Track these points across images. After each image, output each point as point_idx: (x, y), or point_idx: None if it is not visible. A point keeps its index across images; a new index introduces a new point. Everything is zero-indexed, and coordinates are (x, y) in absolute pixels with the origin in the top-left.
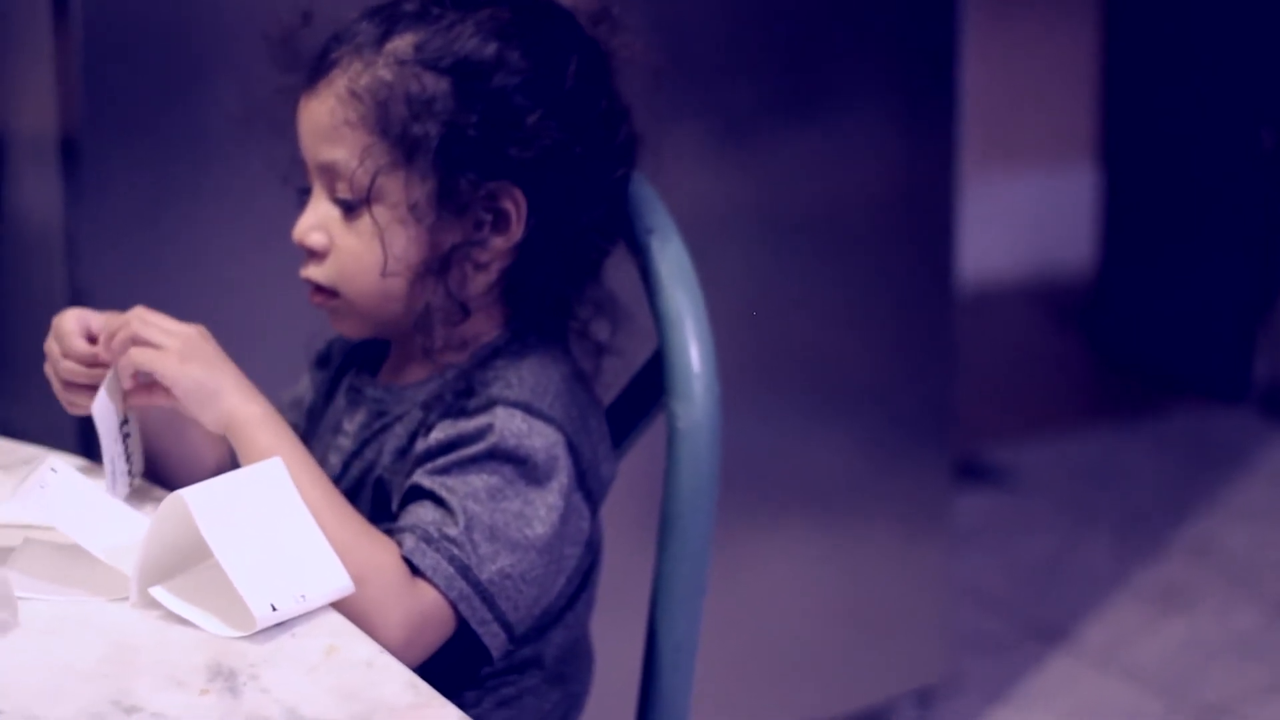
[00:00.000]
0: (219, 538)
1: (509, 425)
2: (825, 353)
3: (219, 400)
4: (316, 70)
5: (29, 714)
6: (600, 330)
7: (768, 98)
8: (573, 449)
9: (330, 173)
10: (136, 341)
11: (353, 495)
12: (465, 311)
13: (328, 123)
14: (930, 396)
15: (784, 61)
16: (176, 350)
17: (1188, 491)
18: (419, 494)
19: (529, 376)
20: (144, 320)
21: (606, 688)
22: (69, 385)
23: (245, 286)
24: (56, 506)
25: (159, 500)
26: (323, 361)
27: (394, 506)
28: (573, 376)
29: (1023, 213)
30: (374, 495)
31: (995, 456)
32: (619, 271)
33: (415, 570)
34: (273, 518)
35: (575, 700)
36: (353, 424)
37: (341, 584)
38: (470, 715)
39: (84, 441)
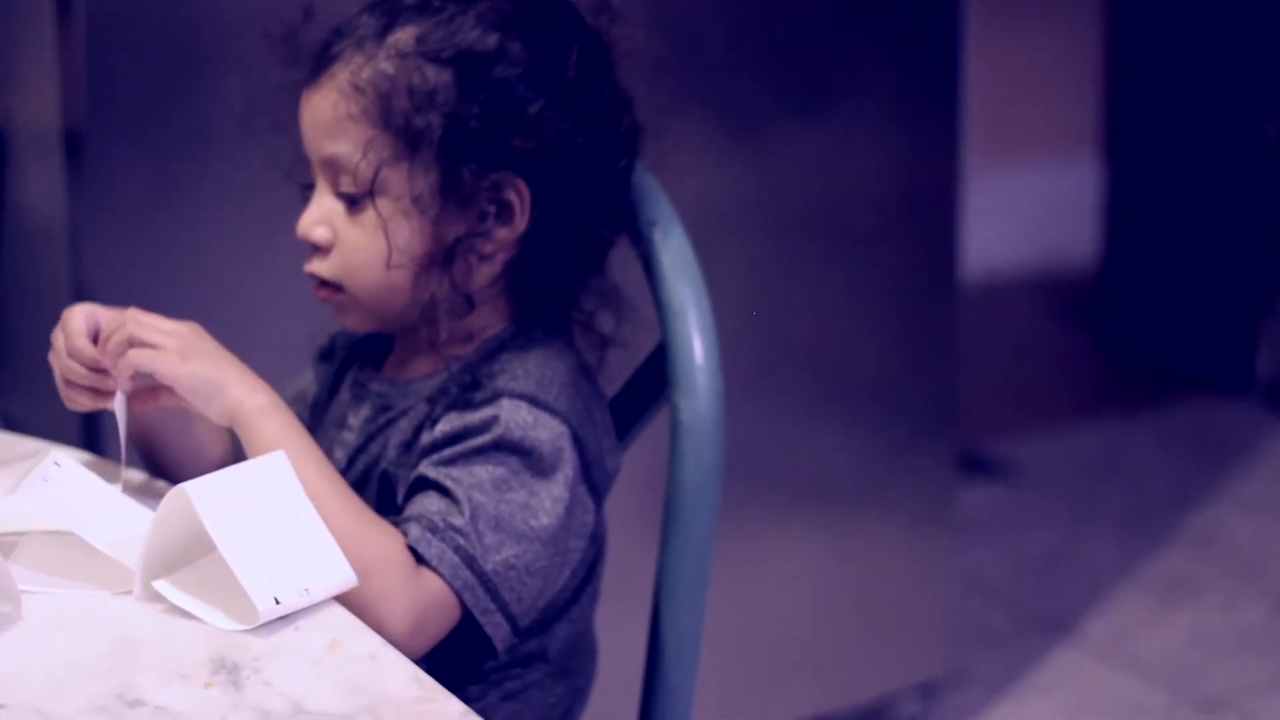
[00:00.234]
0: (222, 531)
1: (514, 417)
2: (828, 346)
3: (224, 393)
4: (318, 64)
5: (33, 708)
6: (605, 322)
7: (771, 92)
8: (578, 441)
9: (333, 167)
10: (134, 343)
11: (358, 489)
12: (470, 303)
13: (330, 116)
14: (934, 390)
15: (787, 56)
16: (176, 349)
17: (1191, 484)
18: (424, 485)
19: (534, 369)
20: (139, 322)
21: (610, 681)
22: (69, 383)
23: (248, 280)
24: (60, 500)
25: (162, 494)
26: (326, 356)
27: (399, 499)
28: (578, 369)
29: (1026, 206)
30: (379, 489)
31: (999, 450)
32: (623, 265)
33: (420, 560)
34: (276, 511)
35: (579, 694)
36: (357, 418)
37: (344, 577)
38: (475, 709)
39: (87, 436)
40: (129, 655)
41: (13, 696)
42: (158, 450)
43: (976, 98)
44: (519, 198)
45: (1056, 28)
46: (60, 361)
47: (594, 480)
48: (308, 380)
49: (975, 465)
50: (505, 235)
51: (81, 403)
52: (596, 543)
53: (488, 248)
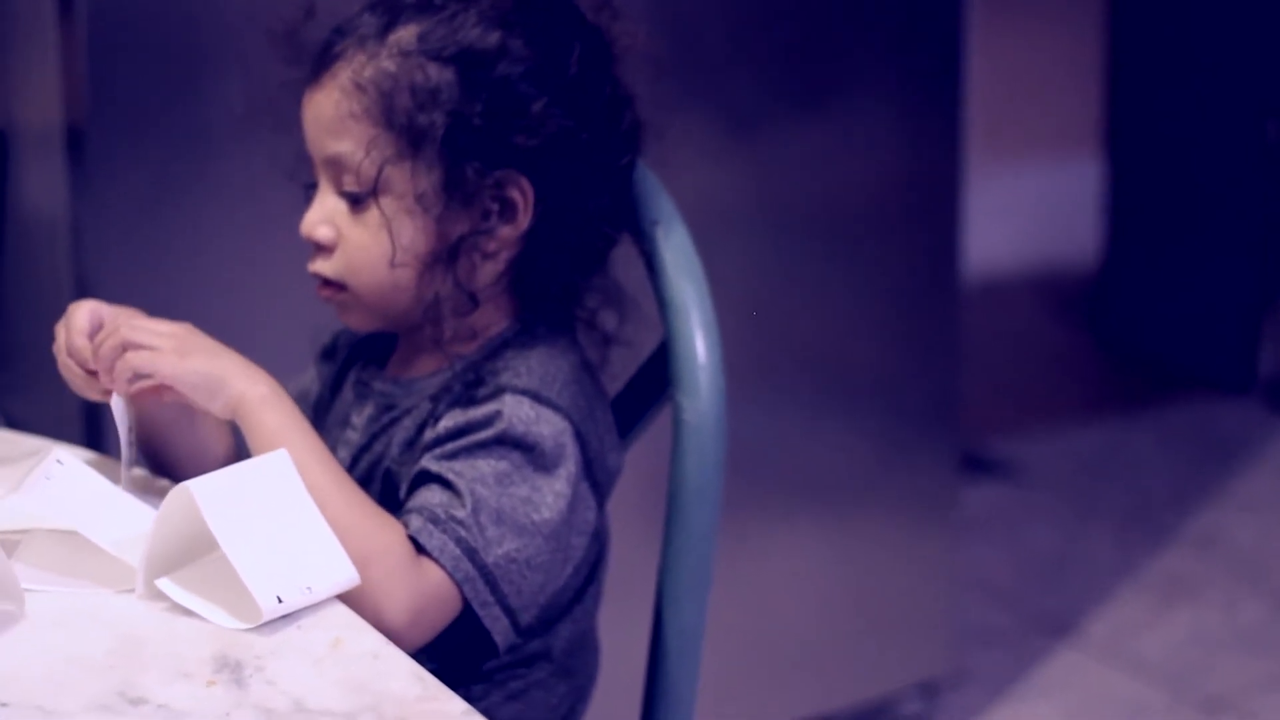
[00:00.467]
0: (225, 530)
1: (517, 412)
2: (830, 345)
3: (226, 387)
4: (320, 63)
5: (35, 705)
6: (608, 320)
7: (773, 91)
8: (580, 438)
9: (336, 166)
10: (129, 347)
11: (362, 488)
12: (474, 302)
13: (332, 115)
14: (935, 389)
15: (789, 54)
16: (173, 349)
17: (1193, 484)
18: (426, 479)
19: (537, 366)
20: (133, 326)
21: (612, 680)
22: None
23: (250, 279)
24: (63, 498)
25: (165, 492)
26: (328, 354)
27: (402, 497)
28: (580, 366)
29: (1028, 206)
30: (383, 488)
31: (1000, 449)
32: (625, 263)
33: (421, 551)
34: (279, 509)
35: (582, 693)
36: (361, 417)
37: (347, 576)
38: (478, 709)
39: (89, 433)
40: (131, 653)
41: (15, 694)
42: (161, 448)
43: (978, 97)
44: (522, 195)
45: (1058, 27)
46: (60, 358)
47: (596, 478)
48: (310, 379)
49: (976, 464)
50: (509, 233)
51: (81, 391)
52: (599, 541)
53: (491, 246)
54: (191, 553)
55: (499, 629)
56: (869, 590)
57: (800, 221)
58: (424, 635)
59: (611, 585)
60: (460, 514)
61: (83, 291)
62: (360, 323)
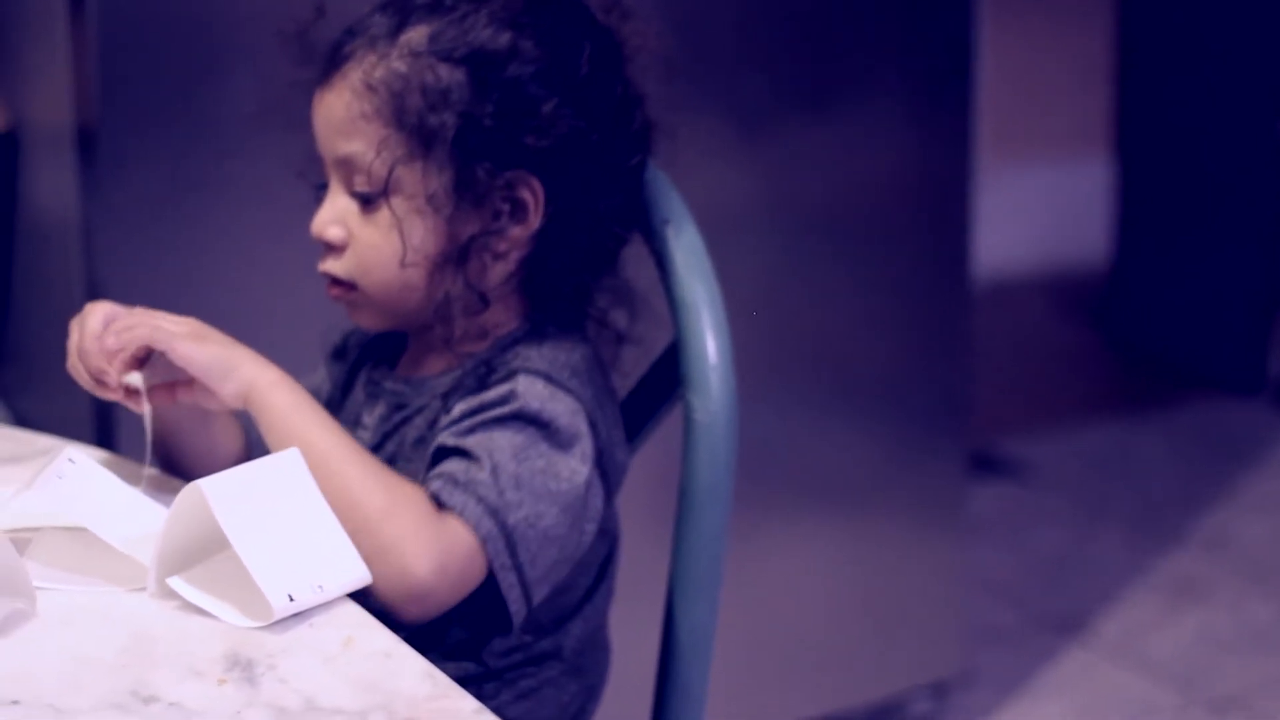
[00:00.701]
0: (236, 528)
1: (531, 389)
2: (840, 345)
3: (237, 371)
4: (331, 64)
5: (47, 704)
6: (619, 319)
7: (783, 91)
8: (591, 425)
9: (347, 166)
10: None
11: None
12: (484, 302)
13: (343, 116)
14: (945, 389)
15: (799, 55)
16: (188, 333)
17: (1202, 484)
18: (444, 454)
19: (549, 353)
20: (150, 313)
21: (623, 679)
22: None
23: (260, 278)
24: (74, 497)
25: (177, 491)
26: (339, 354)
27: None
28: (592, 361)
29: (1038, 206)
30: None
31: (1009, 449)
32: (636, 263)
33: (443, 510)
34: (290, 508)
35: (593, 692)
36: (372, 417)
37: (359, 575)
38: (489, 707)
39: (101, 432)
40: (143, 652)
41: (27, 692)
42: (173, 448)
43: (988, 97)
44: (533, 196)
45: (1068, 28)
46: (70, 358)
47: (605, 469)
48: (320, 378)
49: (986, 464)
50: (519, 233)
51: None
52: (609, 540)
53: (502, 246)
54: (203, 551)
55: (514, 597)
56: (878, 590)
57: (810, 221)
58: (450, 590)
59: (622, 584)
60: (481, 475)
61: (93, 291)
62: (371, 322)
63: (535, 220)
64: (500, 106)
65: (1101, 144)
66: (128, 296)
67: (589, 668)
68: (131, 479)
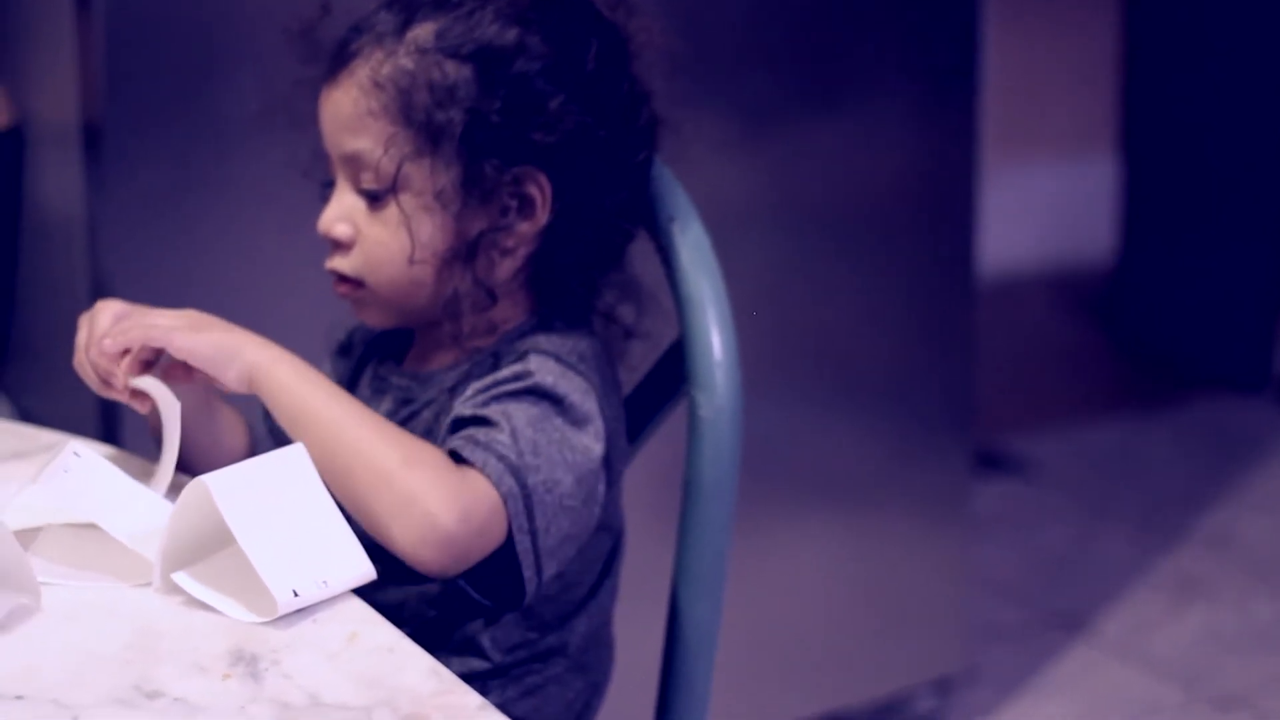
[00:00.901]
0: (241, 523)
1: (544, 366)
2: (844, 342)
3: (241, 354)
4: (337, 61)
5: (51, 699)
6: (626, 314)
7: (789, 88)
8: (600, 408)
9: (354, 163)
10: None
11: None
12: (492, 298)
13: (350, 113)
14: (949, 386)
15: (805, 52)
16: (186, 325)
17: (1206, 482)
18: (460, 424)
19: (558, 339)
20: (145, 312)
21: (627, 675)
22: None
23: (267, 275)
24: (79, 491)
25: (182, 486)
26: (344, 350)
27: None
28: (600, 353)
29: (1043, 203)
30: None
31: (1014, 446)
32: (642, 260)
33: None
34: (295, 503)
35: (597, 688)
36: (379, 412)
37: (363, 570)
38: (494, 704)
39: (106, 429)
40: (148, 647)
41: (32, 687)
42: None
43: (994, 95)
44: (540, 192)
45: (1073, 26)
46: (77, 355)
47: (610, 457)
48: (324, 374)
49: (990, 462)
50: (527, 229)
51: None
52: (614, 536)
53: (509, 242)
54: (208, 546)
55: (528, 563)
56: (882, 587)
57: (816, 219)
58: (474, 539)
59: (627, 581)
60: (500, 437)
61: (99, 288)
62: (378, 320)
63: (543, 216)
64: (507, 102)
65: (1106, 142)
66: (133, 293)
67: (593, 664)
68: (136, 474)
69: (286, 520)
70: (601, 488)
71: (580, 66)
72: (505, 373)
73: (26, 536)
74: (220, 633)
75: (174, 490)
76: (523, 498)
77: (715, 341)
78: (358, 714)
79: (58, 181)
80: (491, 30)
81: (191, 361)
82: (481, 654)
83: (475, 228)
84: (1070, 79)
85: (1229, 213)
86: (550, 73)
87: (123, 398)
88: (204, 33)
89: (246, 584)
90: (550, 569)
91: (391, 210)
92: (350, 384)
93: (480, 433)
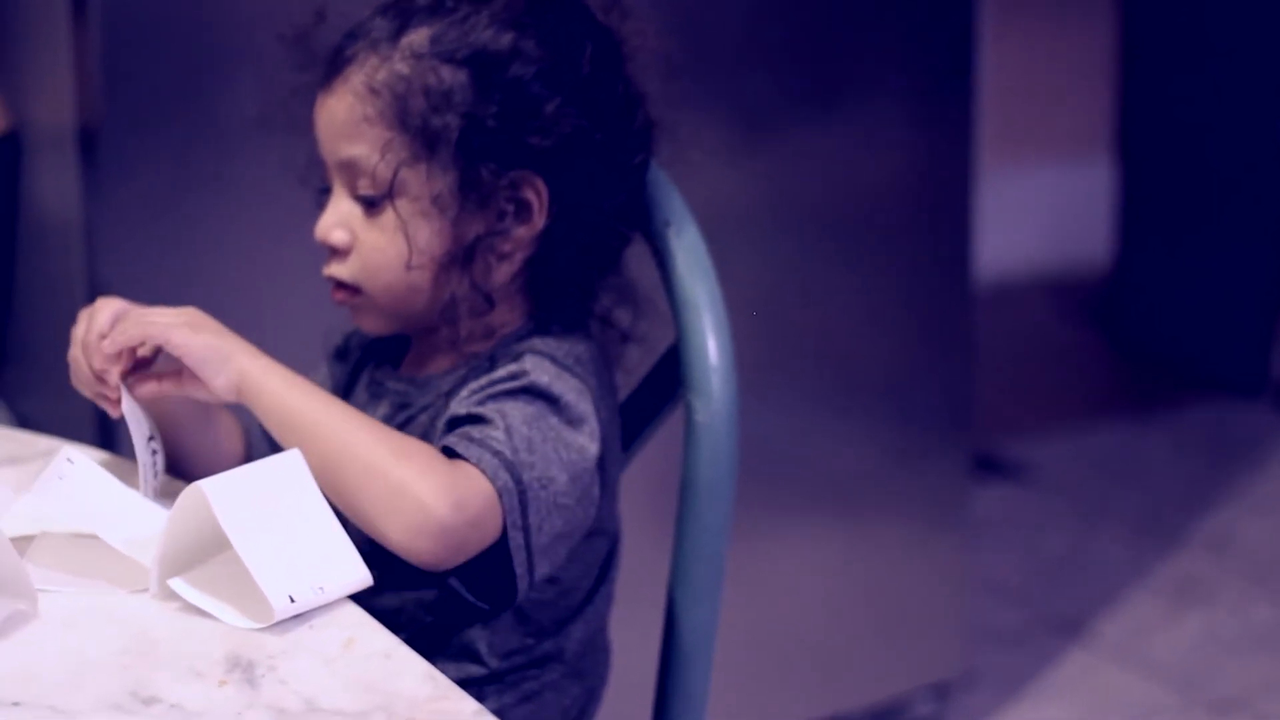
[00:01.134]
0: (237, 529)
1: (540, 366)
2: (842, 347)
3: (231, 361)
4: (333, 67)
5: (48, 705)
6: (622, 318)
7: (785, 91)
8: (596, 410)
9: (351, 169)
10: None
11: None
12: (490, 302)
13: (346, 119)
14: (947, 390)
15: (802, 55)
16: (185, 323)
17: (1205, 486)
18: (455, 423)
19: (554, 342)
20: (144, 311)
21: (624, 681)
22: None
23: (263, 279)
24: (74, 498)
25: (178, 492)
26: (341, 355)
27: None
28: (597, 357)
29: (1040, 207)
30: None
31: (1012, 450)
32: (638, 264)
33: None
34: (291, 509)
35: (593, 694)
36: (376, 416)
37: (360, 576)
38: (490, 710)
39: (102, 433)
40: (144, 653)
41: (28, 693)
42: (173, 448)
43: (991, 98)
44: (537, 196)
45: (1070, 28)
46: (72, 349)
47: (605, 460)
48: (321, 379)
49: (989, 466)
50: (524, 234)
51: (84, 391)
52: (610, 541)
53: (507, 246)
54: (204, 552)
55: (520, 559)
56: (880, 591)
57: (812, 222)
58: (469, 528)
59: (623, 586)
60: (495, 434)
61: (96, 292)
62: (375, 326)
63: (540, 220)
64: (503, 107)
65: (1104, 145)
66: (130, 297)
67: (590, 670)
68: (131, 480)
69: (283, 526)
70: (596, 488)
71: (575, 70)
72: (500, 373)
73: (22, 543)
74: (216, 639)
75: (170, 496)
76: (517, 493)
77: (711, 346)
78: None
79: (55, 186)
80: (486, 35)
81: (185, 360)
82: (478, 660)
83: (472, 232)
84: (1067, 81)
85: (1227, 215)
86: (545, 77)
87: (113, 402)
88: (200, 36)
89: (243, 590)
90: (542, 568)
91: (388, 216)
92: (347, 388)
93: (475, 430)
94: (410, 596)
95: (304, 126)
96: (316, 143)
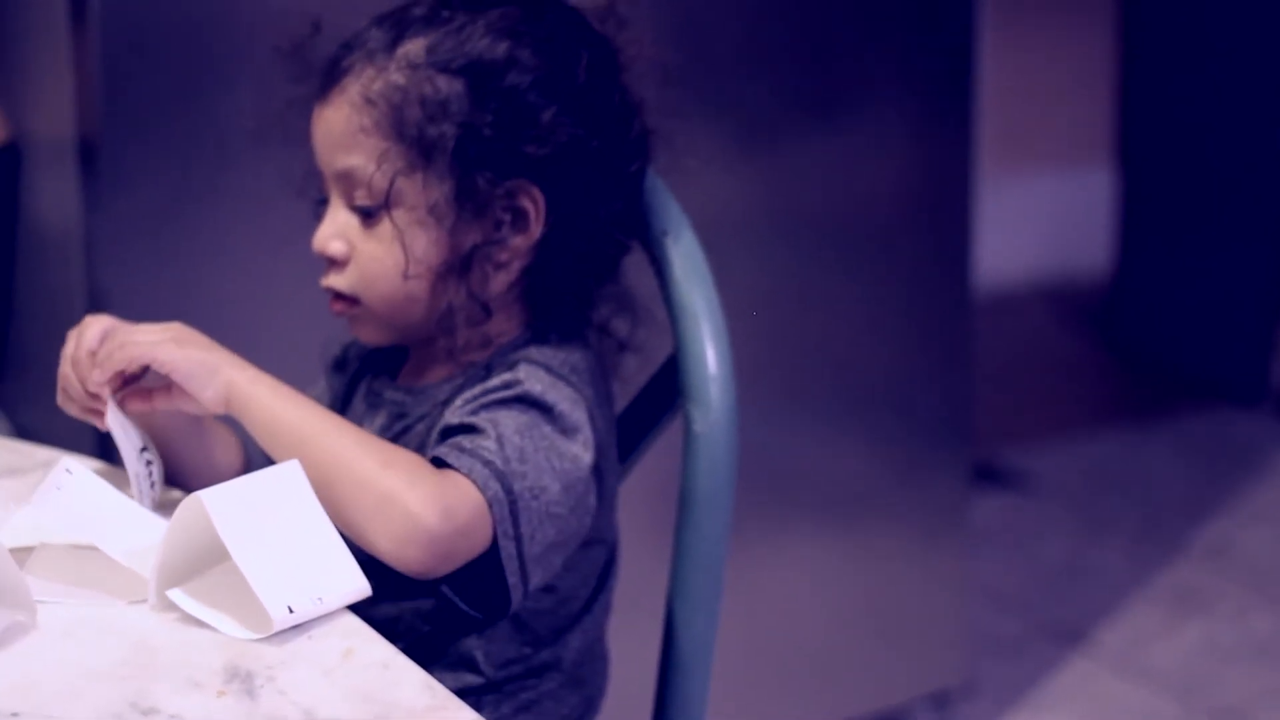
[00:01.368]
0: (236, 540)
1: (534, 375)
2: (842, 355)
3: (218, 374)
4: (329, 78)
5: (47, 715)
6: (620, 327)
7: (784, 99)
8: (591, 420)
9: (348, 180)
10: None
11: None
12: (487, 311)
13: (343, 130)
14: (947, 399)
15: (801, 63)
16: (171, 338)
17: (1204, 494)
18: (448, 433)
19: (551, 352)
20: (129, 329)
21: (623, 690)
22: (64, 388)
23: (262, 289)
24: (73, 509)
25: (177, 502)
26: (339, 366)
27: None
28: (594, 366)
29: (1040, 214)
30: None
31: (1012, 459)
32: (636, 273)
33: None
34: (290, 520)
35: (592, 703)
36: (373, 427)
37: (358, 586)
38: (489, 719)
39: (101, 444)
40: (143, 663)
41: (28, 704)
42: (170, 460)
43: (991, 106)
44: (534, 205)
45: (1071, 36)
46: (62, 367)
47: (601, 469)
48: (320, 390)
49: (988, 475)
50: (521, 243)
51: (70, 409)
52: (608, 550)
53: (504, 255)
54: (203, 563)
55: (512, 569)
56: (880, 600)
57: (811, 230)
58: (457, 537)
59: (622, 595)
60: (486, 444)
61: (95, 303)
62: (374, 337)
63: (537, 229)
64: (499, 116)
65: (1104, 152)
66: (129, 308)
67: (588, 679)
68: (130, 492)
69: (281, 536)
70: (592, 498)
71: (571, 79)
72: (494, 381)
73: (21, 554)
74: (215, 649)
75: (168, 507)
76: (508, 503)
77: (709, 355)
78: None
79: (54, 197)
80: (482, 44)
81: (173, 376)
82: (476, 669)
83: (469, 242)
84: (1067, 89)
85: (1226, 223)
86: (542, 85)
87: (103, 416)
88: (199, 47)
89: (241, 600)
90: (536, 577)
91: (385, 226)
92: (345, 399)
93: (466, 440)
94: (408, 606)
95: (301, 138)
96: (313, 154)
